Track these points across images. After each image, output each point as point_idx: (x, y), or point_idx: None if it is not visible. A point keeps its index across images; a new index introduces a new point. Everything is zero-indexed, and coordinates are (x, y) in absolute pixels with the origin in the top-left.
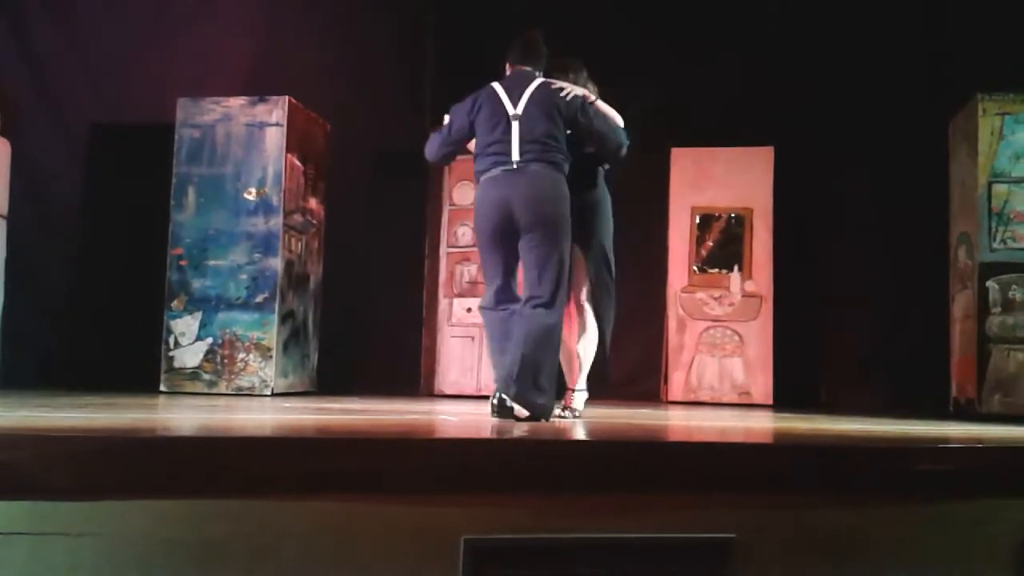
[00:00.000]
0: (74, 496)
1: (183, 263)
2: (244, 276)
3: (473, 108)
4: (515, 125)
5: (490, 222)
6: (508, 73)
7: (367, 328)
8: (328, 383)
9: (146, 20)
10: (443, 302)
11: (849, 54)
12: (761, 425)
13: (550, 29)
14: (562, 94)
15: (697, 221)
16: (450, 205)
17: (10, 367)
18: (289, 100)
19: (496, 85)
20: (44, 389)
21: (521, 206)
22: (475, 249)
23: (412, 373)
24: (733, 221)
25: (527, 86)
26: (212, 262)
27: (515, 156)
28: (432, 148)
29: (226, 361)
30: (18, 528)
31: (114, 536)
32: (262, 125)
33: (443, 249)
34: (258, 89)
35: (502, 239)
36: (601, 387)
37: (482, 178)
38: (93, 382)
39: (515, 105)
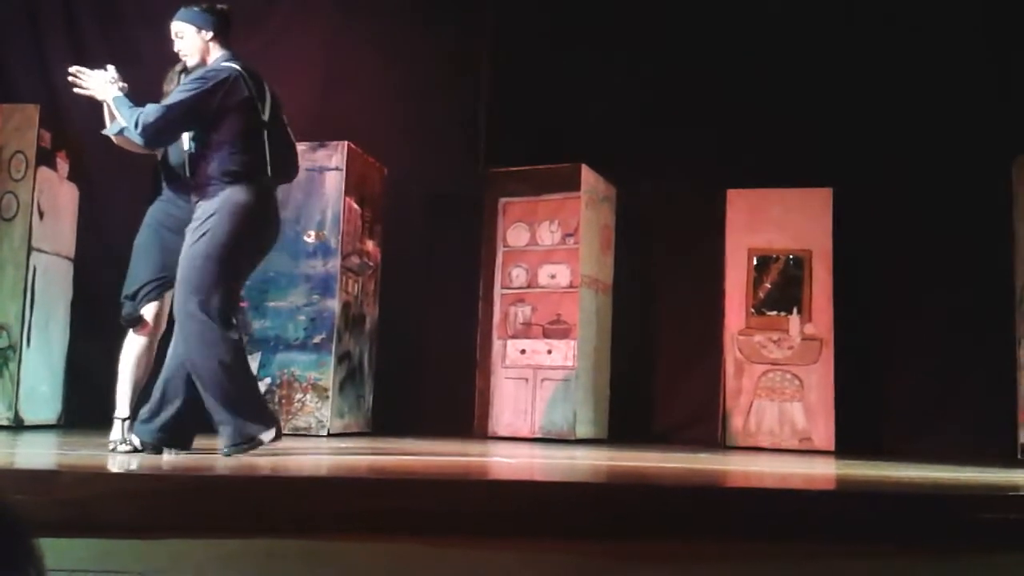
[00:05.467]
0: (137, 534)
1: (243, 304)
2: (302, 317)
3: (220, 94)
4: (266, 135)
5: (269, 237)
6: (225, 53)
7: (421, 369)
8: (382, 424)
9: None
10: (497, 343)
11: (908, 93)
12: (823, 471)
13: (601, 67)
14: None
15: (755, 263)
16: (504, 247)
17: (74, 406)
18: (348, 145)
19: (241, 71)
20: (106, 427)
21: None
22: (529, 290)
23: (466, 414)
24: (791, 263)
25: (264, 85)
26: (272, 303)
27: (269, 172)
28: (162, 130)
29: (284, 401)
30: (84, 566)
31: (176, 574)
32: (321, 169)
33: (497, 290)
34: (317, 135)
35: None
36: (653, 432)
37: (253, 182)
38: None
39: (263, 110)
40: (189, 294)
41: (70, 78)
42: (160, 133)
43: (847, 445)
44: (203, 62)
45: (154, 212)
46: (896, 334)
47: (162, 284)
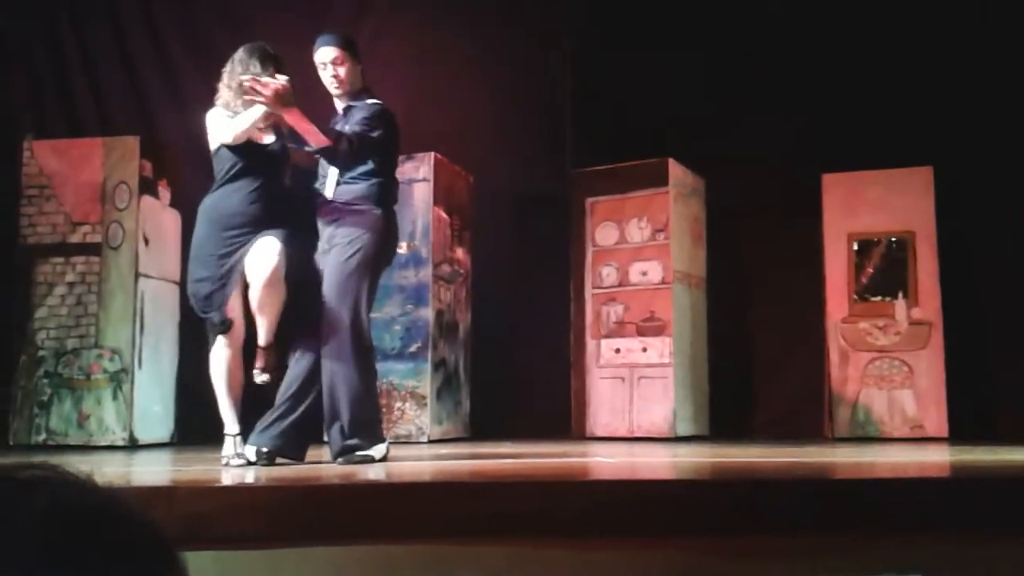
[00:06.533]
0: (258, 545)
1: None
2: (398, 327)
3: (394, 128)
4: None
5: (394, 253)
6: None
7: (516, 373)
8: (480, 428)
9: (300, 86)
10: (590, 344)
11: (1008, 63)
12: (938, 459)
13: (683, 57)
14: None
15: (855, 247)
16: (593, 246)
17: (186, 423)
18: (435, 156)
19: None
20: (217, 444)
21: None
22: (621, 289)
23: (563, 416)
24: (894, 246)
25: None
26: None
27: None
28: (358, 160)
29: (384, 410)
30: None
31: None
32: (410, 181)
33: (588, 291)
34: (404, 147)
35: None
36: (756, 426)
37: (389, 205)
38: None
39: None
40: (344, 307)
41: (246, 85)
42: (357, 163)
43: (961, 431)
44: (355, 91)
45: (206, 209)
46: (1007, 314)
47: (224, 283)
